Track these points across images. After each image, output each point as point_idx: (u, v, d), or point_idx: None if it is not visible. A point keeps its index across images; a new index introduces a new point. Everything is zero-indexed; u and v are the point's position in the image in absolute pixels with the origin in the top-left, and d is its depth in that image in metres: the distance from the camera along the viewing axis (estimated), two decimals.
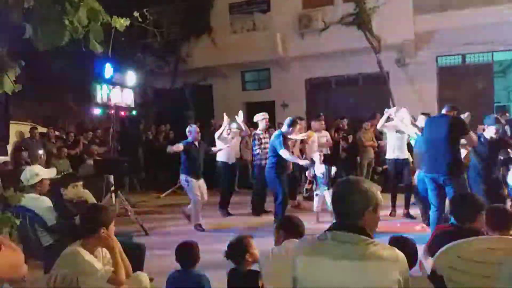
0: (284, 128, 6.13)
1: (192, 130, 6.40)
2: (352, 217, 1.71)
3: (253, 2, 12.57)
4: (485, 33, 9.87)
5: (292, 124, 6.10)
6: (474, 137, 4.83)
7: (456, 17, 9.92)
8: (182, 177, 6.29)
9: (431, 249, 2.69)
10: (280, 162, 6.00)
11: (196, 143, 6.38)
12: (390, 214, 6.41)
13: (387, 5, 10.35)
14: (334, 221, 1.78)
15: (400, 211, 6.47)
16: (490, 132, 5.07)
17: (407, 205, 6.41)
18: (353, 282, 1.61)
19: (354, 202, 1.71)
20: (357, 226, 1.69)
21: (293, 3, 11.86)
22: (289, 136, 6.17)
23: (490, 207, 2.88)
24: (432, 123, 4.98)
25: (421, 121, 5.53)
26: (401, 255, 1.67)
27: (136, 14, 2.45)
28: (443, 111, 4.90)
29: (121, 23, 2.27)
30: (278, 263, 2.30)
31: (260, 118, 7.03)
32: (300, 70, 12.34)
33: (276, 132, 6.29)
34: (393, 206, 6.48)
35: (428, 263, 2.66)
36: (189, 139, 6.37)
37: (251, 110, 10.72)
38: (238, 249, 2.84)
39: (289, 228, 2.68)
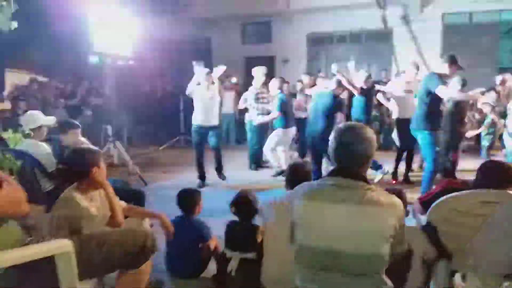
0: None
1: None
2: (355, 164, 1.73)
3: None
4: None
5: None
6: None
7: None
8: None
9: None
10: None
11: None
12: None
13: None
14: (333, 167, 1.79)
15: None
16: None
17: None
18: (351, 226, 1.64)
19: (359, 150, 1.72)
20: (357, 172, 1.72)
21: None
22: None
23: (490, 162, 2.84)
24: None
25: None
26: (398, 201, 1.69)
27: None
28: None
29: None
30: (280, 210, 2.33)
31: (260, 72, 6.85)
32: (302, 24, 12.01)
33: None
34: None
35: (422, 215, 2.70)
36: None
37: (250, 64, 10.54)
38: (242, 204, 2.88)
39: (297, 176, 2.65)
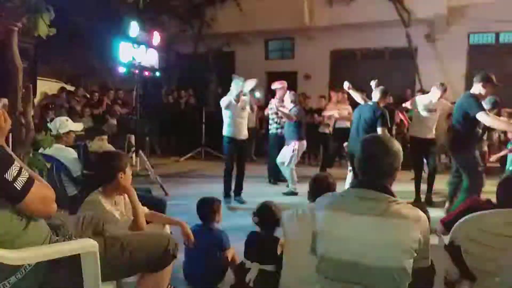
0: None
1: None
2: (381, 177, 1.72)
3: None
4: None
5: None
6: None
7: None
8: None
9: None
10: None
11: None
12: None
13: None
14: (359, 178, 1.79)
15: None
16: None
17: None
18: (374, 238, 1.62)
19: (387, 163, 1.71)
20: (383, 185, 1.71)
21: None
22: None
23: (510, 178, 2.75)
24: None
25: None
26: (423, 215, 1.67)
27: None
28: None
29: None
30: (303, 221, 2.32)
31: (278, 86, 6.91)
32: (325, 40, 12.08)
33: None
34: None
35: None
36: None
37: (273, 79, 10.59)
38: (265, 214, 2.88)
39: (320, 188, 2.65)
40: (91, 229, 2.16)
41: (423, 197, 5.76)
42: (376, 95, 5.42)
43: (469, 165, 4.58)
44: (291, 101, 6.48)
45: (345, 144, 6.07)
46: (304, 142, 6.50)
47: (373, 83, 5.79)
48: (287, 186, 6.49)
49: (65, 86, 9.41)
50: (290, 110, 6.41)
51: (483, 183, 4.60)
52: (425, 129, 5.81)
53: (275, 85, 6.97)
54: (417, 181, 5.85)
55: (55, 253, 1.69)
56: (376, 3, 10.47)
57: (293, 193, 6.25)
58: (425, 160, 6.13)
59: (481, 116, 4.33)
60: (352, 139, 5.47)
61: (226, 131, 5.73)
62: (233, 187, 5.83)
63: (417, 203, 5.25)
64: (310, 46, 12.29)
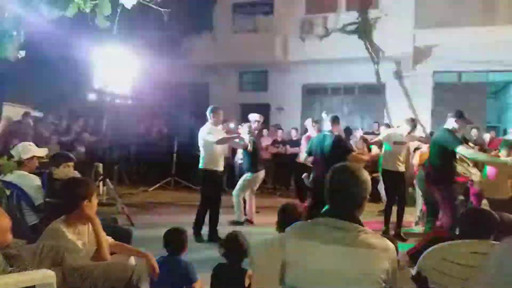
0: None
1: None
2: (350, 206, 1.73)
3: (257, 3, 12.65)
4: (483, 53, 10.02)
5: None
6: None
7: (455, 35, 10.09)
8: None
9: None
10: None
11: None
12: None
13: (389, 17, 10.50)
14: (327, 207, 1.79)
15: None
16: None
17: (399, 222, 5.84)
18: (344, 268, 1.62)
19: (355, 193, 1.72)
20: (352, 214, 1.71)
21: (296, 7, 11.94)
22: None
23: (474, 210, 2.83)
24: None
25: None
26: (391, 245, 1.68)
27: None
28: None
29: None
30: (271, 252, 2.28)
31: (254, 119, 6.93)
32: (298, 75, 12.39)
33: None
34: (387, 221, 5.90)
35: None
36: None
37: (246, 111, 10.67)
38: (232, 245, 2.82)
39: (289, 217, 2.60)
40: (49, 259, 2.05)
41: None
42: (328, 124, 5.46)
43: (448, 198, 4.67)
44: (248, 132, 6.51)
45: (304, 175, 6.13)
46: (259, 174, 6.46)
47: (324, 115, 6.00)
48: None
49: (30, 111, 9.12)
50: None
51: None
52: (398, 162, 5.94)
53: (254, 117, 7.00)
54: (387, 213, 5.92)
55: (9, 285, 1.58)
56: (346, 41, 10.92)
57: (239, 223, 6.23)
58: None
59: (462, 150, 4.52)
60: (316, 168, 5.41)
61: (209, 164, 5.45)
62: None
63: (385, 234, 5.31)
64: (283, 79, 12.56)
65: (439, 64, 10.90)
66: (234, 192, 6.40)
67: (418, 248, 2.86)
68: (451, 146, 4.54)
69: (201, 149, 5.52)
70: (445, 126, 4.80)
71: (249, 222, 6.43)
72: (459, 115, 4.72)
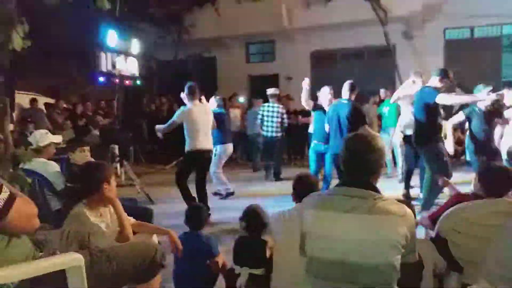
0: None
1: None
2: (366, 174, 1.73)
3: None
4: (495, 5, 9.65)
5: None
6: None
7: None
8: None
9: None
10: None
11: None
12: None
13: None
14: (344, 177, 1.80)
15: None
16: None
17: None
18: (362, 235, 1.63)
19: (371, 160, 1.72)
20: (368, 182, 1.72)
21: None
22: None
23: (494, 167, 2.75)
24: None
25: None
26: (409, 211, 1.69)
27: None
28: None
29: None
30: (290, 223, 2.32)
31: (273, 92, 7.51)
32: (305, 42, 12.18)
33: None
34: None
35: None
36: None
37: (255, 82, 10.65)
38: (252, 218, 2.86)
39: (305, 187, 2.63)
40: (76, 242, 2.12)
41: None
42: (345, 91, 5.29)
43: (435, 157, 4.63)
44: (217, 106, 6.44)
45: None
46: (228, 146, 6.45)
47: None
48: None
49: (36, 97, 9.20)
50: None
51: (450, 174, 4.56)
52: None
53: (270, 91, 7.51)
54: (408, 177, 5.91)
55: (39, 270, 1.65)
56: (352, 3, 10.60)
57: (229, 194, 6.36)
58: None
59: (441, 99, 4.43)
60: (332, 138, 5.32)
61: (201, 144, 5.50)
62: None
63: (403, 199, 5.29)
64: (290, 48, 12.36)
65: (449, 20, 10.58)
66: (211, 171, 6.19)
67: (441, 211, 2.84)
68: (431, 99, 4.46)
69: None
70: (428, 84, 4.71)
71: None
72: (444, 74, 4.60)
